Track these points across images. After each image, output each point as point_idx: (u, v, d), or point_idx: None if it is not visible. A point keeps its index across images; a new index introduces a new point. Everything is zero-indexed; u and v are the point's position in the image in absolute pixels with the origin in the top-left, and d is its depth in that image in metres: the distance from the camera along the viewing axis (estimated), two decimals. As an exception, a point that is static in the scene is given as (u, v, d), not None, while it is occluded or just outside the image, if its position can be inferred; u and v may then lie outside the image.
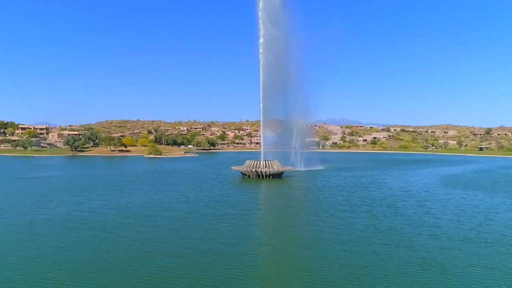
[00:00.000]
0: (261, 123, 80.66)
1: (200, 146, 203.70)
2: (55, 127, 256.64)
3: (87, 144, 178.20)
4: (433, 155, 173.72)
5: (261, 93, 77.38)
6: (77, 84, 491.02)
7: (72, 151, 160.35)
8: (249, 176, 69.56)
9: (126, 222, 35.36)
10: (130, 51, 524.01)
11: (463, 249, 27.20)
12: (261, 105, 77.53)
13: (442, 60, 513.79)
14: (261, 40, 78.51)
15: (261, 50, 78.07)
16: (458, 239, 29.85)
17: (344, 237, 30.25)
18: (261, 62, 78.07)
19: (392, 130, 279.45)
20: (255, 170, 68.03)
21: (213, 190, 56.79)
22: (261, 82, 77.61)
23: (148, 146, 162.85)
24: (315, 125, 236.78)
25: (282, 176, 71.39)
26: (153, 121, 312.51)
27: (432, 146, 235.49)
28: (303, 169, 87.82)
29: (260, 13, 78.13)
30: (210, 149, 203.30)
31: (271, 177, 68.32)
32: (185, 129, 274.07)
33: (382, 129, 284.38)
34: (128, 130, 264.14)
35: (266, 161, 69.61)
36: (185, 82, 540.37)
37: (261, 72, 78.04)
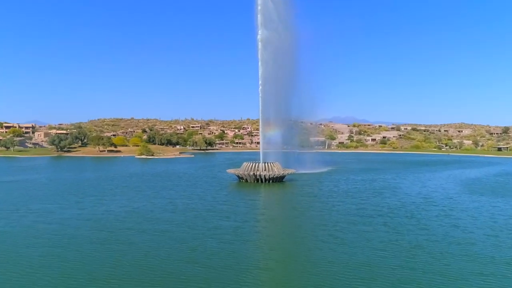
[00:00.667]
0: (261, 122, 76.56)
1: (196, 146, 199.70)
2: (44, 126, 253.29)
3: (75, 144, 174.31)
4: (448, 156, 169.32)
5: (260, 90, 73.33)
6: (68, 81, 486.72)
7: (57, 151, 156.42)
8: (246, 180, 65.34)
9: (98, 237, 31.29)
10: (124, 46, 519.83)
11: (510, 276, 22.93)
12: (260, 102, 73.45)
13: (454, 56, 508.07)
14: (260, 33, 74.31)
15: (260, 45, 73.91)
16: (500, 261, 25.61)
17: (359, 258, 26.05)
18: (260, 57, 74.02)
19: (403, 129, 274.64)
20: (253, 173, 63.77)
21: (206, 196, 52.74)
22: (260, 78, 73.58)
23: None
24: (320, 124, 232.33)
25: (283, 180, 67.17)
26: (148, 120, 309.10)
27: (446, 146, 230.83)
28: (307, 171, 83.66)
29: (259, 7, 73.87)
30: (207, 149, 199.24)
31: (271, 181, 64.13)
32: (182, 128, 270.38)
33: (392, 128, 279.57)
34: (122, 129, 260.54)
35: (266, 163, 65.36)
36: (182, 78, 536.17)
37: (260, 67, 73.93)
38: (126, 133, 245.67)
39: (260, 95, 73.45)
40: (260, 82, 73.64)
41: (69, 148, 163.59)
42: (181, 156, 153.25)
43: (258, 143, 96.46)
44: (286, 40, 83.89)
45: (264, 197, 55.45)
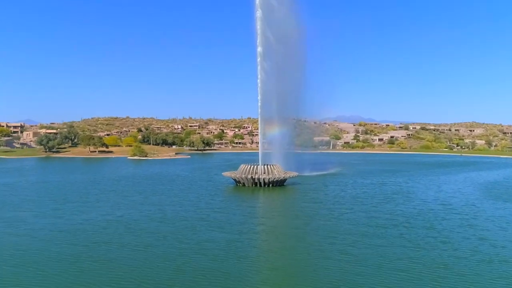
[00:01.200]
0: (260, 120, 73.01)
1: (194, 146, 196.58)
2: (36, 125, 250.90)
3: (65, 144, 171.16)
4: (461, 157, 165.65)
5: (259, 85, 69.93)
6: (62, 79, 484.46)
7: (45, 152, 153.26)
8: (244, 184, 61.81)
9: (69, 254, 27.95)
10: (120, 43, 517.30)
11: None
12: (259, 98, 69.95)
13: (464, 52, 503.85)
14: (258, 18, 70.77)
15: (258, 22, 70.11)
16: (546, 286, 22.07)
17: (375, 280, 22.67)
18: (258, 49, 70.60)
19: (411, 128, 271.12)
20: (251, 176, 60.20)
21: (199, 202, 49.40)
22: (259, 73, 70.14)
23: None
24: (325, 123, 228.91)
25: (284, 184, 63.68)
26: (144, 119, 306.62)
27: (458, 146, 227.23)
28: (311, 174, 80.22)
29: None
30: (204, 150, 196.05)
31: (271, 185, 60.64)
32: (180, 127, 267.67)
33: (400, 127, 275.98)
34: (116, 128, 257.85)
35: (265, 166, 61.79)
36: (180, 75, 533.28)
37: (259, 60, 70.50)
38: (121, 132, 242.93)
39: (258, 90, 69.93)
40: (258, 76, 70.10)
41: (58, 148, 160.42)
42: (177, 157, 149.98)
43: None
44: (288, 30, 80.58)
45: (263, 203, 52.05)
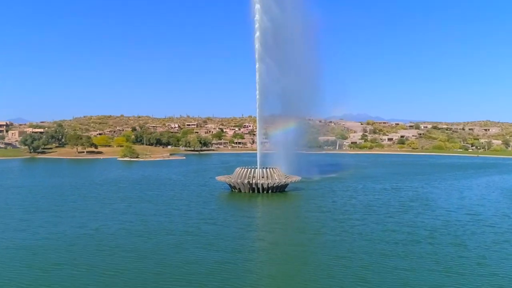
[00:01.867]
0: (258, 118, 68.64)
1: (190, 147, 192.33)
2: (25, 124, 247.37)
3: (51, 144, 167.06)
4: (478, 158, 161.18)
5: (257, 80, 65.77)
6: (55, 76, 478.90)
7: (30, 152, 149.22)
8: (240, 190, 57.43)
9: (20, 280, 23.99)
10: (115, 39, 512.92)
11: None
12: (258, 93, 65.72)
13: (477, 48, 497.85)
14: (257, 8, 66.71)
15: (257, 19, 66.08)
16: None
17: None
18: (256, 43, 66.54)
19: (422, 127, 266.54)
20: (248, 181, 55.80)
21: (189, 211, 45.33)
22: (257, 68, 66.07)
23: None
24: (330, 121, 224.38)
25: (286, 189, 59.31)
26: (139, 117, 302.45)
27: (473, 146, 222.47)
28: (315, 177, 75.86)
29: None
30: (202, 150, 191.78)
31: (270, 191, 56.35)
32: (177, 125, 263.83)
33: (410, 126, 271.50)
34: (110, 127, 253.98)
35: (264, 169, 57.39)
36: (177, 72, 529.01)
37: (257, 56, 66.41)
38: (114, 131, 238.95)
39: (257, 86, 65.56)
40: (257, 70, 65.87)
41: (44, 148, 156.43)
42: (171, 158, 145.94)
43: (261, 143, 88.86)
44: (290, 21, 76.40)
45: (262, 213, 47.99)
